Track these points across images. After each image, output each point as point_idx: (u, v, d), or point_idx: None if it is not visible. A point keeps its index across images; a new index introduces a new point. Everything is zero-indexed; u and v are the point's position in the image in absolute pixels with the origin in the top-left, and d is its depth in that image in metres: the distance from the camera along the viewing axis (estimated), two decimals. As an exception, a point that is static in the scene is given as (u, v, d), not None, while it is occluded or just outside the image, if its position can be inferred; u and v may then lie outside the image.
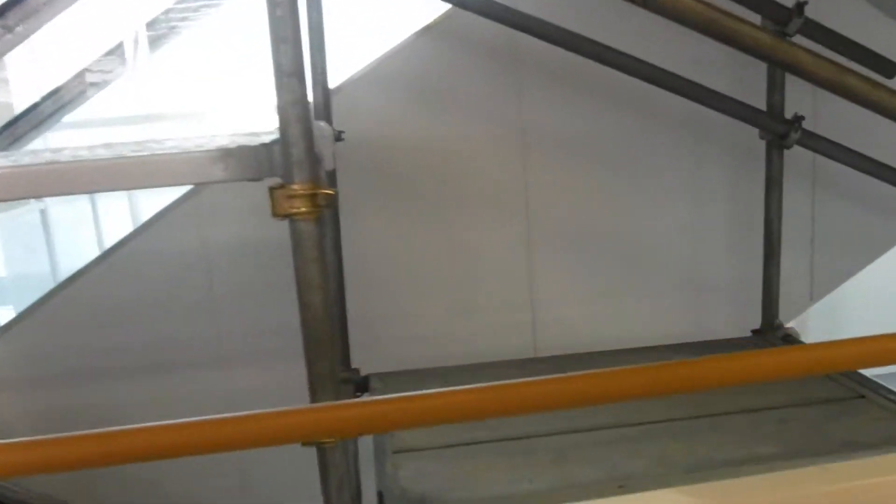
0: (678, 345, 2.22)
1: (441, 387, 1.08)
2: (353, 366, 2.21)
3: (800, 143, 2.16)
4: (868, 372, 1.51)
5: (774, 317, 2.32)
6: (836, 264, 2.65)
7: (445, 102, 2.37)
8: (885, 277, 3.66)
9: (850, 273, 2.69)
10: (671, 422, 1.69)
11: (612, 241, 2.52)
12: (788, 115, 2.17)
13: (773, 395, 1.78)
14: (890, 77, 2.17)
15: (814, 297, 2.65)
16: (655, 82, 2.08)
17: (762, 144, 2.25)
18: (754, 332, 2.33)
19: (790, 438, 1.58)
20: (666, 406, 1.76)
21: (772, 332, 2.28)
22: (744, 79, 2.29)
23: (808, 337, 2.73)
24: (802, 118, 2.14)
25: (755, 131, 2.27)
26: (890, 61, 2.11)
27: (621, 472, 1.51)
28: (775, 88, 2.20)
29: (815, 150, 2.18)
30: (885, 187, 2.55)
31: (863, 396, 1.75)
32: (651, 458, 1.55)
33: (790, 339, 2.23)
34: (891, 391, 1.76)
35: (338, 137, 1.98)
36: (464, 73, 2.34)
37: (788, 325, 2.37)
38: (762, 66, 2.18)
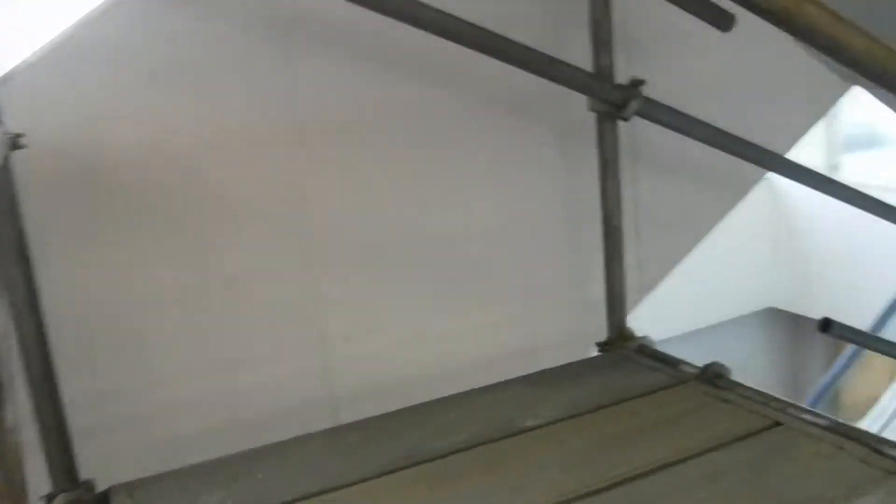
0: (516, 379, 1.85)
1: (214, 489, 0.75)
2: (83, 478, 1.57)
3: (642, 114, 1.88)
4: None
5: (623, 324, 2.04)
6: (664, 251, 2.46)
7: (177, 84, 1.77)
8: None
9: (677, 260, 2.52)
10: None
11: (418, 250, 2.08)
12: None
13: (679, 438, 1.47)
14: (726, 31, 1.98)
15: (644, 291, 2.44)
16: (460, 40, 1.67)
17: (585, 121, 1.97)
18: (601, 345, 2.04)
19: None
20: (552, 478, 1.38)
21: (623, 344, 2.00)
22: (558, 40, 1.98)
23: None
24: (642, 82, 1.86)
25: (577, 105, 1.98)
26: (728, 13, 1.91)
27: None
28: (602, 49, 1.90)
29: (659, 122, 1.91)
30: (705, 163, 2.40)
31: (780, 423, 1.49)
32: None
33: (647, 350, 1.96)
34: (807, 410, 1.53)
35: (14, 144, 1.43)
36: (205, 40, 1.76)
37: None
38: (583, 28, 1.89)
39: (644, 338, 2.00)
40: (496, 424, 1.58)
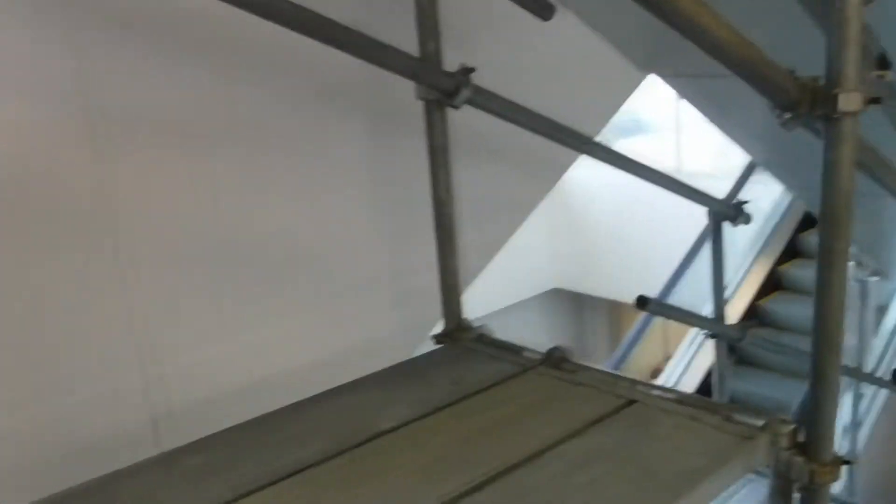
0: (359, 380, 1.78)
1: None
2: None
3: (472, 102, 1.87)
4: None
5: (460, 314, 2.03)
6: (484, 240, 2.49)
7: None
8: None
9: (496, 248, 2.56)
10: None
11: (241, 254, 1.95)
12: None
13: (541, 427, 1.48)
14: (547, 20, 2.02)
15: (467, 281, 2.45)
16: (282, 20, 1.56)
17: (411, 109, 1.93)
18: (439, 337, 2.02)
19: (621, 492, 1.28)
20: (420, 483, 1.33)
21: (462, 335, 1.99)
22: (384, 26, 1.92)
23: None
24: (472, 70, 1.85)
25: (400, 93, 1.94)
26: (548, 3, 1.95)
27: None
28: (429, 35, 1.87)
29: (488, 110, 1.92)
30: (520, 151, 2.46)
31: (634, 401, 1.54)
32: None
33: (487, 339, 1.97)
34: (654, 386, 1.59)
35: None
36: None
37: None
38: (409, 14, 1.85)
39: (482, 326, 2.00)
40: (351, 430, 1.50)
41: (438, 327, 2.05)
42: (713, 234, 2.86)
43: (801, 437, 1.37)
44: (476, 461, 1.36)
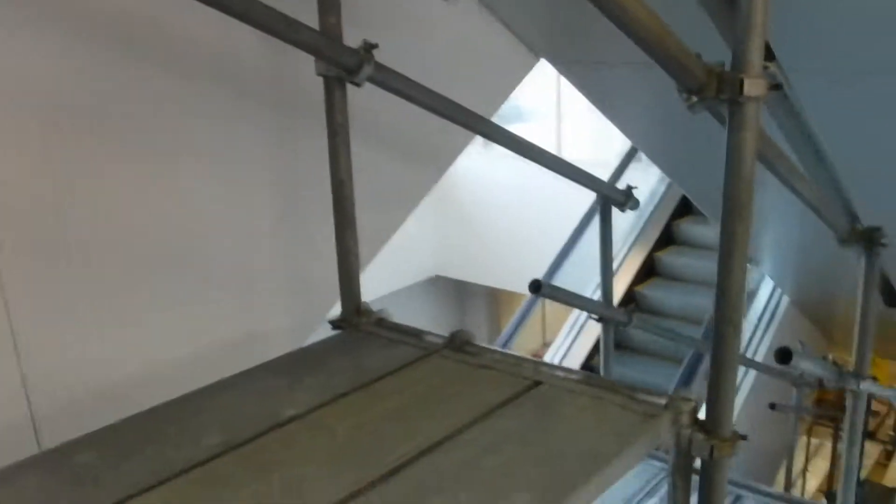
0: (257, 368, 1.72)
1: None
2: None
3: (373, 79, 1.84)
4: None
5: (358, 299, 2.01)
6: (378, 225, 2.46)
7: None
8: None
9: (392, 231, 2.54)
10: None
11: (126, 244, 1.84)
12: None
13: (449, 410, 1.47)
14: (450, 2, 2.01)
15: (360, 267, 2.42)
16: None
17: (307, 87, 1.89)
18: (336, 323, 1.98)
19: (531, 474, 1.29)
20: (329, 472, 1.30)
21: (360, 319, 1.96)
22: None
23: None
24: (374, 46, 1.82)
25: (294, 70, 1.89)
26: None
27: None
28: (329, 8, 1.83)
29: (389, 88, 1.89)
30: (413, 132, 2.44)
31: (540, 382, 1.56)
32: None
33: (387, 323, 1.95)
34: (557, 367, 1.62)
35: None
36: None
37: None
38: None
39: (382, 311, 1.98)
40: (252, 419, 1.45)
41: (335, 313, 2.02)
42: (602, 218, 2.94)
43: (701, 415, 1.43)
44: (384, 448, 1.34)
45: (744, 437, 1.45)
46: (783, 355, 2.06)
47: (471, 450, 1.33)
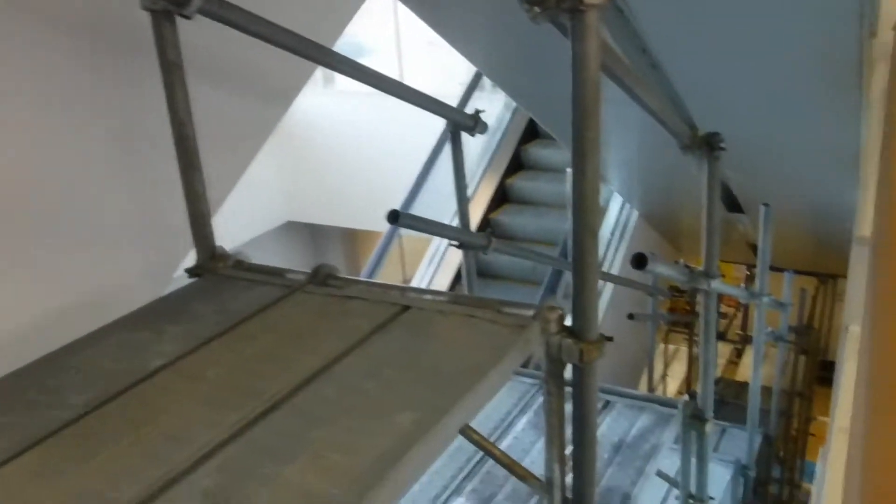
0: (114, 323, 1.67)
1: None
2: None
3: (204, 11, 1.78)
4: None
5: (212, 243, 1.97)
6: (225, 165, 2.40)
7: None
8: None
9: (238, 173, 2.49)
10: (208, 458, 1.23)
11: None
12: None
13: (322, 344, 1.49)
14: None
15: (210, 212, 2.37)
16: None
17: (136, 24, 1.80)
18: (193, 270, 1.94)
19: (412, 394, 1.32)
20: (207, 416, 1.29)
21: (217, 264, 1.93)
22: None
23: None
24: (204, -26, 1.75)
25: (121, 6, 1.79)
26: None
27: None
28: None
29: (223, 20, 1.83)
30: (251, 68, 2.39)
31: (408, 307, 1.60)
32: None
33: (246, 265, 1.92)
34: (424, 290, 1.66)
35: None
36: None
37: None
38: None
39: (239, 253, 1.96)
40: (120, 373, 1.42)
41: (190, 261, 1.98)
42: (453, 144, 2.99)
43: (568, 322, 1.51)
44: (261, 387, 1.35)
45: (609, 339, 1.55)
46: (639, 260, 2.19)
47: (349, 378, 1.36)
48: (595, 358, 1.49)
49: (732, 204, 6.05)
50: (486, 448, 1.67)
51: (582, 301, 1.50)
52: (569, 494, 1.65)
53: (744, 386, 9.07)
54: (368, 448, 1.14)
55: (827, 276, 8.93)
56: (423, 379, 1.33)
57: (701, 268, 2.77)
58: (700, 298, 2.93)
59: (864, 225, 1.35)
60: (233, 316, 1.63)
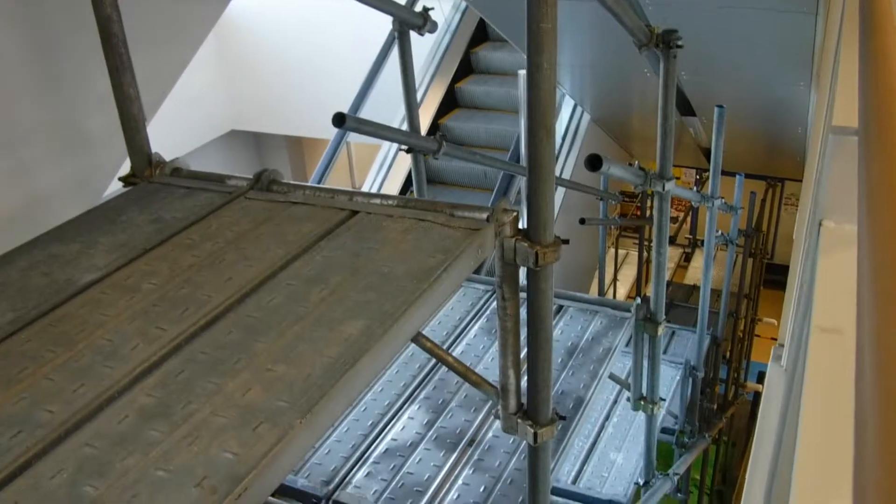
0: (43, 236, 1.58)
1: None
2: None
3: None
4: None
5: (148, 150, 1.86)
6: (160, 65, 2.28)
7: None
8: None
9: (174, 75, 2.37)
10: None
11: None
12: None
13: (267, 251, 1.43)
14: None
15: (148, 114, 2.25)
16: None
17: None
18: (127, 178, 1.84)
19: (363, 301, 1.27)
20: (144, 329, 1.23)
21: (153, 172, 1.83)
22: None
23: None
24: None
25: None
26: None
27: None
28: None
29: None
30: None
31: (356, 212, 1.54)
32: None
33: (184, 172, 1.83)
34: (373, 195, 1.60)
35: None
36: None
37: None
38: None
39: (176, 160, 1.87)
40: (49, 289, 1.34)
41: (124, 170, 1.88)
42: (400, 43, 2.87)
43: (522, 225, 1.47)
44: (202, 297, 1.29)
45: (565, 242, 1.51)
46: (594, 162, 2.15)
47: (294, 286, 1.31)
48: (551, 261, 1.45)
49: (685, 107, 6.03)
50: (439, 355, 1.65)
51: (537, 202, 1.45)
52: (523, 399, 1.65)
53: (692, 289, 9.27)
54: (316, 358, 1.10)
55: (775, 179, 9.05)
56: (373, 285, 1.28)
57: (655, 171, 2.75)
58: (653, 203, 2.91)
59: (843, 115, 1.32)
60: (170, 225, 1.56)
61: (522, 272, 1.50)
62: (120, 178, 1.86)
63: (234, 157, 9.61)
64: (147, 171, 1.84)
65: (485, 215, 1.46)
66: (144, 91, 2.08)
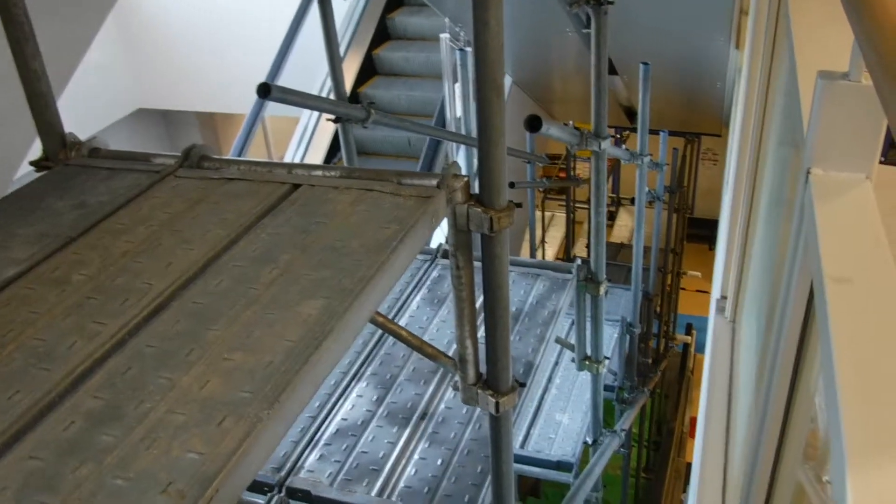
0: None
1: None
2: None
3: None
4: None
5: (60, 129, 1.74)
6: (66, 38, 2.14)
7: None
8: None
9: (82, 47, 2.23)
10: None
11: None
12: None
13: (206, 231, 1.34)
14: None
15: (58, 89, 2.12)
16: None
17: None
18: (39, 162, 1.72)
19: (318, 279, 1.20)
20: (78, 325, 1.13)
21: (69, 154, 1.71)
22: None
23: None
24: None
25: None
26: None
27: None
28: None
29: None
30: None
31: (298, 185, 1.46)
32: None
33: (105, 152, 1.72)
34: (313, 166, 1.52)
35: None
36: None
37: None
38: None
39: (93, 139, 1.75)
40: (-35, 287, 1.23)
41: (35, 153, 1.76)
42: (322, 9, 2.76)
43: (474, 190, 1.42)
44: (141, 286, 1.20)
45: (518, 205, 1.47)
46: (533, 123, 2.11)
47: (242, 267, 1.23)
48: (506, 226, 1.41)
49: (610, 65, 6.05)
50: (392, 329, 1.59)
51: (489, 166, 1.40)
52: (482, 370, 1.61)
53: (619, 247, 9.40)
54: (276, 343, 1.03)
55: (693, 135, 9.20)
56: (327, 262, 1.21)
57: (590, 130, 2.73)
58: (576, 164, 2.89)
59: (831, 60, 1.31)
60: (95, 210, 1.45)
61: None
62: (31, 163, 1.73)
63: (142, 137, 9.28)
64: (62, 153, 1.72)
65: (434, 181, 1.40)
66: (51, 64, 1.95)
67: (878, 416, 0.92)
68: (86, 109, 7.23)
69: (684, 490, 6.59)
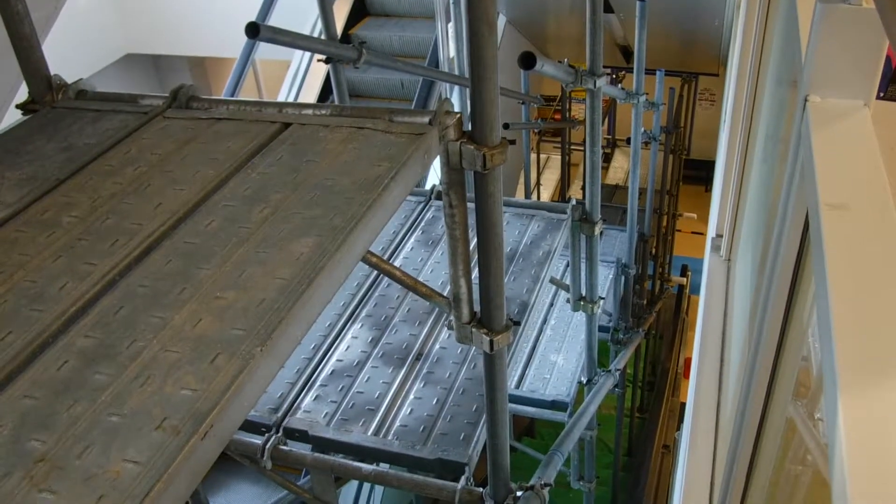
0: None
1: None
2: None
3: None
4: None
5: (46, 71, 1.71)
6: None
7: None
8: None
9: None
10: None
11: None
12: None
13: (197, 170, 1.33)
14: None
15: (42, 33, 2.08)
16: None
17: None
18: (25, 105, 1.69)
19: (309, 216, 1.19)
20: (68, 265, 1.13)
21: (55, 96, 1.69)
22: None
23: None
24: None
25: None
26: None
27: None
28: None
29: None
30: None
31: (289, 124, 1.44)
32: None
33: (92, 94, 1.69)
34: (304, 105, 1.50)
35: None
36: None
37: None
38: None
39: (80, 81, 1.72)
40: (-48, 231, 1.23)
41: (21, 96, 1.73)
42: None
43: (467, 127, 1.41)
44: (131, 227, 1.19)
45: (512, 142, 1.46)
46: (527, 60, 2.08)
47: (232, 207, 1.22)
48: (499, 163, 1.39)
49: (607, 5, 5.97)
50: (386, 269, 1.59)
51: (481, 102, 1.38)
52: (476, 308, 1.61)
53: (614, 189, 9.39)
54: (268, 281, 1.03)
55: (690, 74, 9.12)
56: (318, 200, 1.21)
57: (584, 68, 2.70)
58: (572, 105, 2.86)
59: None
60: (83, 152, 1.44)
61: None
62: (18, 106, 1.71)
63: (132, 84, 9.16)
64: (48, 95, 1.69)
65: (427, 118, 1.39)
66: (32, 7, 1.91)
67: (872, 343, 0.92)
68: (74, 56, 7.13)
69: (678, 429, 6.70)
